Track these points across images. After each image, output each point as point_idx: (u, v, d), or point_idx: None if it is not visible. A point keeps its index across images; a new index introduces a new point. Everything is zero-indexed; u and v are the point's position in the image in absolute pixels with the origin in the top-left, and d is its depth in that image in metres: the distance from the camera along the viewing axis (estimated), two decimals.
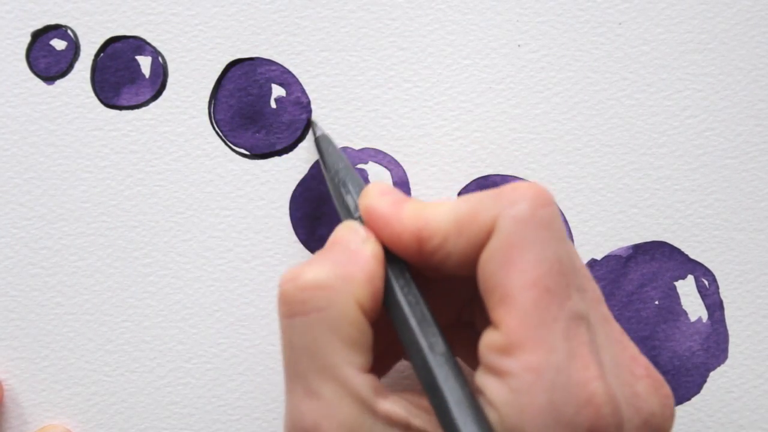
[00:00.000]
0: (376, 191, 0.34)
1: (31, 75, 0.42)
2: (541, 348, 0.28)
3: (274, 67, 0.42)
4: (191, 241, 0.42)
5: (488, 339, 0.29)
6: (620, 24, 0.42)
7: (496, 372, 0.29)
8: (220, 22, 0.42)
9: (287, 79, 0.42)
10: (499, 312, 0.29)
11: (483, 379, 0.29)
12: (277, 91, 0.42)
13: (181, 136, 0.42)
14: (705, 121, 0.43)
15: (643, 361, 0.31)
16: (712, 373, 0.42)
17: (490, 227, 0.30)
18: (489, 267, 0.29)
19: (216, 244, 0.42)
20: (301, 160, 0.42)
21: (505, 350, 0.28)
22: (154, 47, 0.42)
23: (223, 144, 0.42)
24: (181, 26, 0.42)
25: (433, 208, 0.32)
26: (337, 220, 0.43)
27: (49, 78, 0.42)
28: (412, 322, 0.31)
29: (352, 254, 0.32)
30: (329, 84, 0.42)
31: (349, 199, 0.36)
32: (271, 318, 0.42)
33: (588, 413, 0.27)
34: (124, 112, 0.42)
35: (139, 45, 0.42)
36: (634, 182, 0.42)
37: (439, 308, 0.33)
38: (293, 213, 0.42)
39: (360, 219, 0.35)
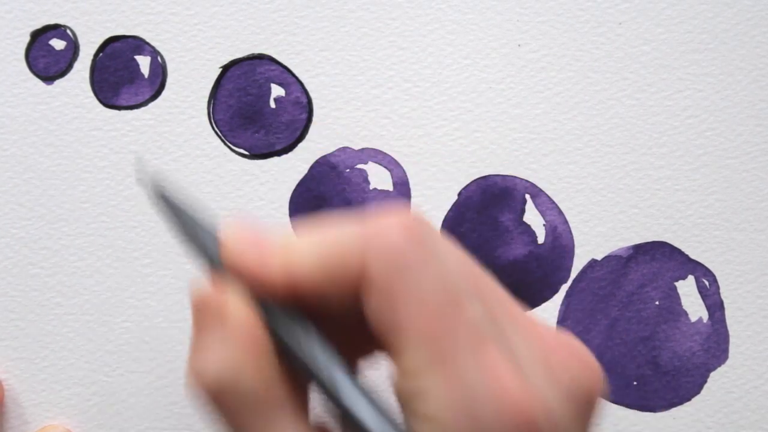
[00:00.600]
0: (234, 237, 0.31)
1: (31, 75, 0.42)
2: (446, 368, 0.27)
3: (273, 67, 0.42)
4: None
5: (395, 376, 0.29)
6: (620, 24, 0.42)
7: (412, 404, 0.28)
8: (220, 21, 0.42)
9: (286, 78, 0.42)
10: (398, 349, 0.28)
11: (406, 416, 0.28)
12: (277, 91, 0.42)
13: (180, 136, 0.42)
14: (705, 121, 0.42)
15: (551, 333, 0.30)
16: (712, 374, 0.42)
17: (362, 269, 0.28)
18: (374, 311, 0.28)
19: None
20: (300, 160, 0.42)
21: (413, 380, 0.28)
22: (153, 47, 0.42)
23: (222, 144, 0.42)
24: (180, 26, 0.42)
25: (298, 251, 0.30)
26: None
27: (48, 78, 0.42)
28: (304, 355, 0.29)
29: (232, 337, 0.30)
30: (329, 84, 0.42)
31: (207, 252, 0.32)
32: None
33: (509, 416, 0.27)
34: (123, 112, 0.42)
35: (138, 45, 0.42)
36: (634, 182, 0.42)
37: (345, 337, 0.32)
38: (293, 213, 0.42)
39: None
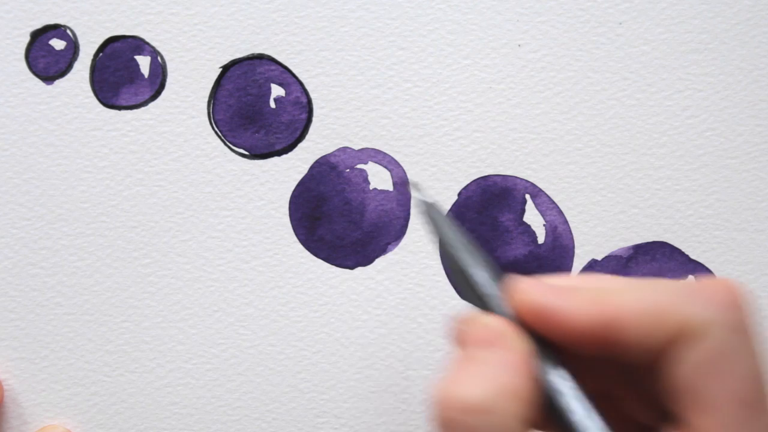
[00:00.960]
0: (533, 285, 0.31)
1: (31, 75, 0.42)
2: None
3: (273, 67, 0.42)
4: (190, 241, 0.42)
5: None
6: (620, 24, 0.42)
7: None
8: (219, 21, 0.42)
9: (286, 78, 0.42)
10: (695, 418, 0.28)
11: None
12: (277, 90, 0.42)
13: (180, 136, 0.42)
14: (705, 121, 0.42)
15: None
16: None
17: (689, 326, 0.28)
18: (689, 370, 0.28)
19: (216, 244, 0.42)
20: (300, 160, 0.42)
21: None
22: (153, 47, 0.42)
23: (222, 144, 0.42)
24: (180, 26, 0.42)
25: (619, 297, 0.29)
26: (336, 221, 0.43)
27: (48, 78, 0.42)
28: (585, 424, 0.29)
29: (505, 362, 0.29)
30: (329, 84, 0.42)
31: (487, 290, 0.31)
32: (270, 318, 0.42)
33: None
34: (123, 112, 0.42)
35: (138, 45, 0.42)
36: (634, 182, 0.42)
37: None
38: (293, 213, 0.42)
39: (501, 312, 0.31)
